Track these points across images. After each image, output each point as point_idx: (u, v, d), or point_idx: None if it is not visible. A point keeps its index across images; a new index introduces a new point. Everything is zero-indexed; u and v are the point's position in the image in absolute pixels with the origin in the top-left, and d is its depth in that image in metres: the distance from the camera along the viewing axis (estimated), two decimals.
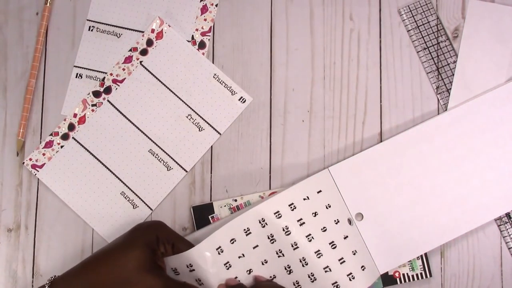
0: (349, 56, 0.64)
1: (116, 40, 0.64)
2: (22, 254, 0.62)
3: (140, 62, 0.64)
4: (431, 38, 0.64)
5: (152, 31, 0.64)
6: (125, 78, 0.63)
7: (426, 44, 0.64)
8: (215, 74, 0.63)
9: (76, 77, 0.64)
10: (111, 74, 0.63)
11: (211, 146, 0.63)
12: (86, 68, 0.64)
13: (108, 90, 0.63)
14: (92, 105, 0.63)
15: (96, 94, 0.63)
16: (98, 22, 0.64)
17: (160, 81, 0.63)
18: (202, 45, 0.64)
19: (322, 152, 0.63)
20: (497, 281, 0.61)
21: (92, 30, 0.64)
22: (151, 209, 0.62)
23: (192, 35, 0.64)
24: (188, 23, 0.64)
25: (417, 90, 0.64)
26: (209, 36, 0.64)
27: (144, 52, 0.64)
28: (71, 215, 0.62)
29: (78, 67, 0.64)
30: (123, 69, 0.63)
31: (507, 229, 0.61)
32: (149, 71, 0.63)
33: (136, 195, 0.62)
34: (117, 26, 0.64)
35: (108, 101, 0.63)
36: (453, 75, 0.63)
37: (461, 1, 0.64)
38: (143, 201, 0.62)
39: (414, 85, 0.64)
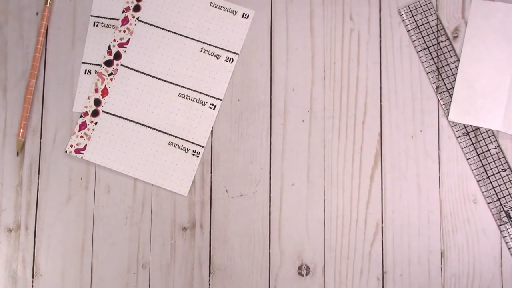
0: (349, 56, 0.64)
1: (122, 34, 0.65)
2: (22, 254, 0.62)
3: (137, 18, 0.64)
4: (431, 38, 0.64)
5: None
6: (129, 39, 0.64)
7: (426, 44, 0.64)
8: (211, 2, 0.64)
9: (85, 73, 0.64)
10: (114, 40, 0.64)
11: (211, 147, 0.63)
12: (95, 64, 0.64)
13: (118, 56, 0.64)
14: (109, 75, 0.64)
15: (108, 63, 0.64)
16: (102, 17, 0.65)
17: (162, 28, 0.64)
18: None
19: (322, 152, 0.63)
20: (497, 281, 0.61)
21: (97, 26, 0.64)
22: (202, 146, 0.63)
23: None
24: None
25: (417, 90, 0.64)
26: None
27: (137, 8, 0.65)
28: (71, 215, 0.62)
29: (87, 63, 0.64)
30: (124, 31, 0.64)
31: (507, 229, 0.61)
32: (148, 23, 0.64)
33: (184, 139, 0.63)
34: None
35: (122, 65, 0.64)
36: (453, 75, 0.63)
37: (461, 1, 0.64)
38: (192, 143, 0.63)
39: (414, 85, 0.64)
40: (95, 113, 0.63)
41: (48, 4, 0.64)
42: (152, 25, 0.64)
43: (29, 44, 0.65)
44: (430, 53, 0.64)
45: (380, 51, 0.64)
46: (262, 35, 0.65)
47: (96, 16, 0.65)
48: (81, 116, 0.63)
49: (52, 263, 0.62)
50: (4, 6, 0.65)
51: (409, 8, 0.64)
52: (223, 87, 0.64)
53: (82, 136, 0.63)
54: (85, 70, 0.64)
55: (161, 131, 0.63)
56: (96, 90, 0.64)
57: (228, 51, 0.64)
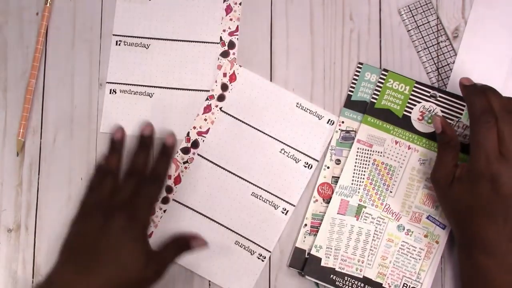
0: (349, 56, 0.64)
1: (145, 51, 0.64)
2: (22, 255, 0.62)
3: (220, 108, 0.62)
4: (431, 38, 0.64)
5: (224, 75, 0.63)
6: (209, 128, 0.62)
7: (426, 44, 0.64)
8: (297, 103, 0.63)
9: (110, 93, 0.63)
10: (194, 127, 0.62)
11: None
12: (119, 83, 0.63)
13: (195, 144, 0.62)
14: (184, 163, 0.62)
15: (185, 151, 0.62)
16: (124, 36, 0.64)
17: (244, 122, 0.62)
18: (231, 45, 0.64)
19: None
20: None
21: (119, 45, 0.64)
22: (269, 251, 0.61)
23: (220, 37, 0.64)
24: (215, 25, 0.64)
25: None
26: (237, 35, 0.64)
27: (221, 98, 0.63)
28: (71, 215, 0.62)
29: (111, 83, 0.63)
30: (205, 120, 0.62)
31: None
32: (231, 115, 0.62)
33: (251, 241, 0.61)
34: (143, 37, 0.64)
35: (198, 155, 0.62)
36: None
37: (461, 1, 0.64)
38: (259, 246, 0.61)
39: None
40: (165, 200, 0.61)
41: (48, 4, 0.64)
42: (234, 117, 0.62)
43: (29, 44, 0.65)
44: (430, 53, 0.64)
45: (380, 51, 0.64)
46: (262, 35, 0.65)
47: (118, 35, 0.64)
48: None
49: (52, 263, 0.62)
50: (4, 6, 0.65)
51: (409, 8, 0.64)
52: (298, 193, 0.61)
53: None
54: (110, 90, 0.63)
55: (228, 229, 0.61)
56: (169, 177, 0.61)
57: (308, 156, 0.61)
